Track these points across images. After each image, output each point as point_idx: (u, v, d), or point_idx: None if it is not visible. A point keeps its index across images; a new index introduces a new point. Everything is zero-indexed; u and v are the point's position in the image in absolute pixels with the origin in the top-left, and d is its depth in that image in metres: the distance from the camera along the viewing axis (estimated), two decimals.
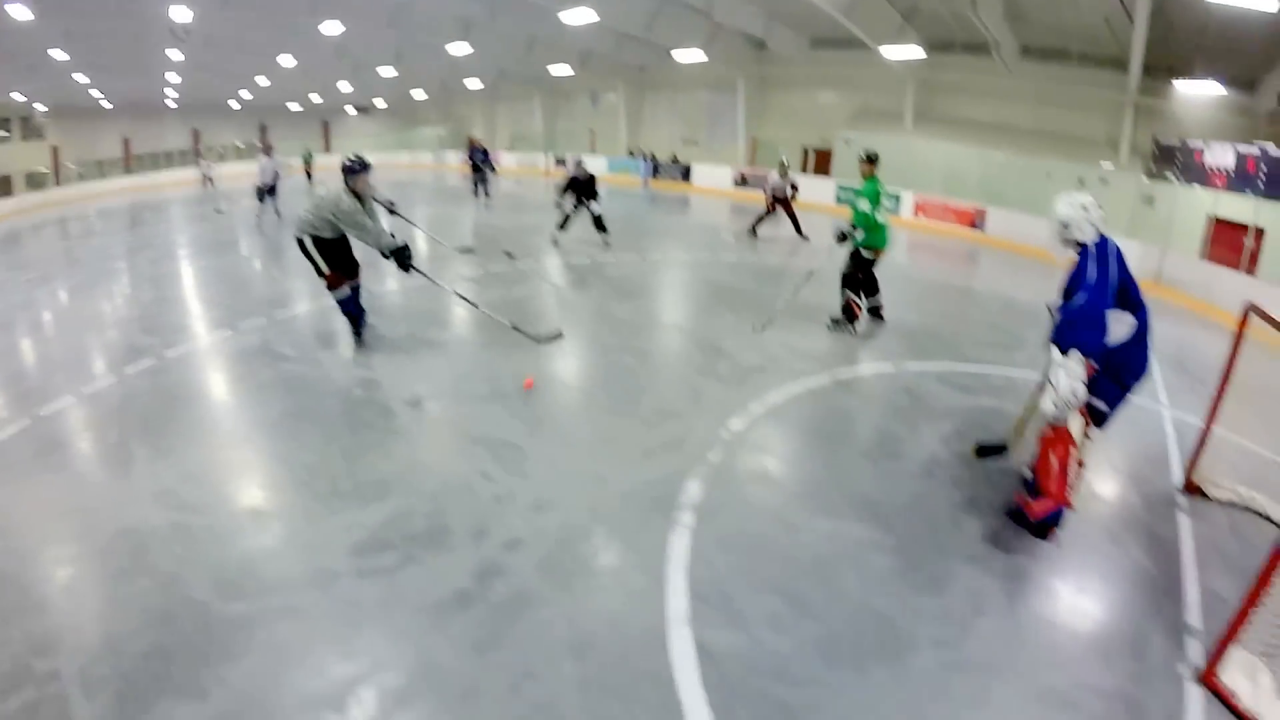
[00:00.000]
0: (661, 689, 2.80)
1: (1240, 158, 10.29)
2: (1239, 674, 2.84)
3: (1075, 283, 3.66)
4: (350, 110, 38.07)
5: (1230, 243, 11.46)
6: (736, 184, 21.08)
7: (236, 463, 4.54)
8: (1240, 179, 10.30)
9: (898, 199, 16.07)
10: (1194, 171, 11.12)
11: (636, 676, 2.87)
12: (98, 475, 4.44)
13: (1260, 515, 4.04)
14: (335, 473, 4.30)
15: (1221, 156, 10.76)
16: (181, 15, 14.40)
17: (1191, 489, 4.32)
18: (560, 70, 24.32)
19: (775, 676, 2.91)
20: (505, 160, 27.91)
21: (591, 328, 7.49)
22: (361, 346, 6.38)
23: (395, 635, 3.03)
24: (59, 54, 18.53)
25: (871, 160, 6.87)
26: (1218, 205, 11.41)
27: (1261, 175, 9.93)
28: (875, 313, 7.31)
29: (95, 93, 25.73)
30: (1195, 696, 2.84)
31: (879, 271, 7.21)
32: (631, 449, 4.76)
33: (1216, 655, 2.87)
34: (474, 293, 7.85)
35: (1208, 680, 2.86)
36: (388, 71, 26.51)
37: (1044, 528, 3.74)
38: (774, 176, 12.61)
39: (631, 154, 25.36)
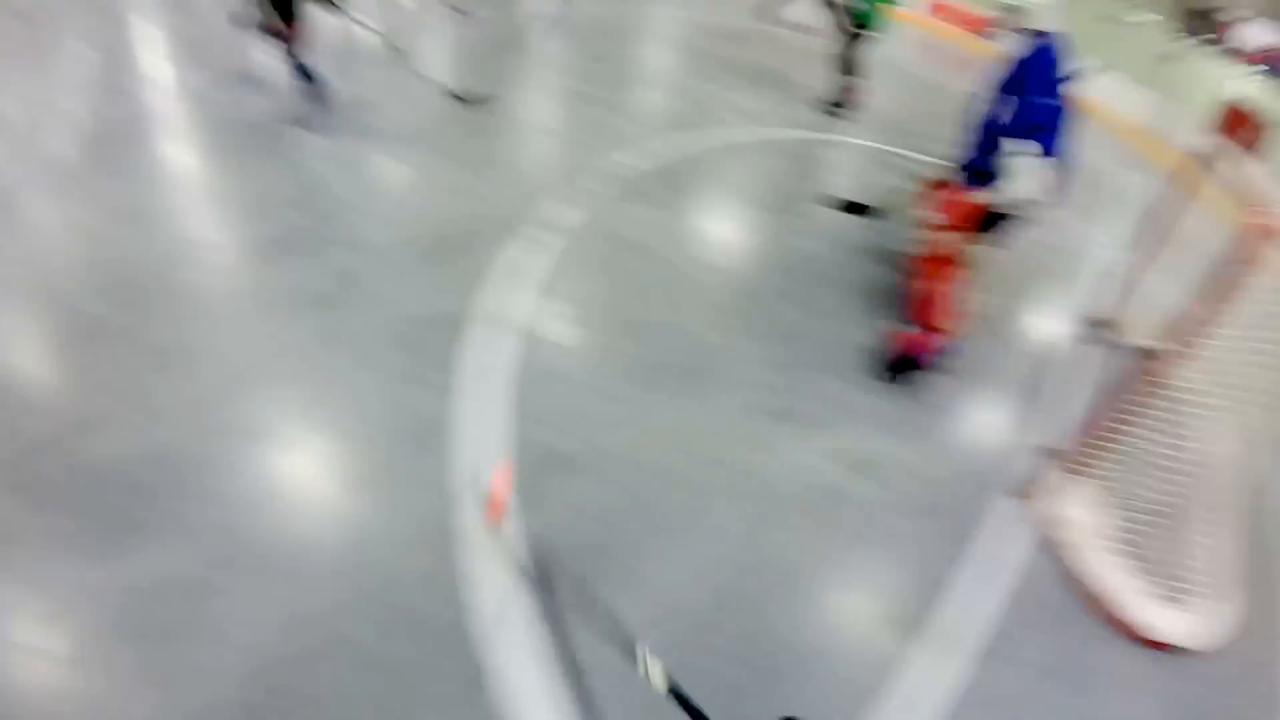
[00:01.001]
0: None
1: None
2: (1063, 501, 2.93)
3: (1035, 79, 3.23)
4: None
5: (1238, 128, 10.61)
6: None
7: (164, 195, 4.56)
8: (1274, 67, 9.24)
9: None
10: (1224, 42, 9.95)
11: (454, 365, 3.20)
12: (45, 211, 4.35)
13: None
14: (244, 193, 4.56)
15: (1260, 36, 9.57)
16: None
17: (1098, 328, 4.24)
18: None
19: (587, 389, 3.17)
20: None
21: (536, 70, 7.28)
22: (310, 99, 5.69)
23: (263, 324, 3.44)
24: None
25: None
26: (1239, 85, 10.38)
27: None
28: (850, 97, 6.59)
29: None
30: (1003, 506, 2.97)
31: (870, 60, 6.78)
32: (524, 174, 4.98)
33: (1041, 474, 2.99)
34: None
35: (1024, 494, 3.02)
36: None
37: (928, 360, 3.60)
38: None
39: None
